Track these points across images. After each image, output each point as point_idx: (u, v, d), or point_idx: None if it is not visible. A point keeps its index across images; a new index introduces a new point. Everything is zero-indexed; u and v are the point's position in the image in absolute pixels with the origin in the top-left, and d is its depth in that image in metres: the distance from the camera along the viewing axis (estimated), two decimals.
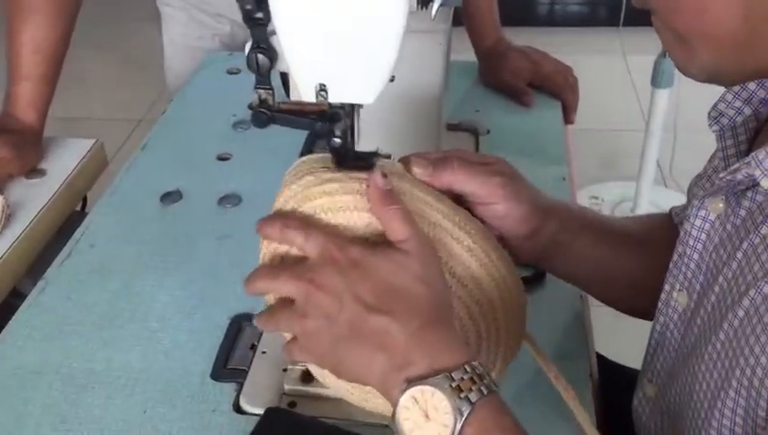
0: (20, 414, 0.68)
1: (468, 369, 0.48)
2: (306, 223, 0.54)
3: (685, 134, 2.03)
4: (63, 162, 1.06)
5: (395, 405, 0.49)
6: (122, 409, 0.68)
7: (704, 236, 0.56)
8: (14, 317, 0.78)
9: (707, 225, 0.56)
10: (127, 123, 2.51)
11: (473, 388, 0.48)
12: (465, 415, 0.47)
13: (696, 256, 0.57)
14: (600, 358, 0.83)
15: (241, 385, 0.69)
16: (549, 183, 0.95)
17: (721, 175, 0.54)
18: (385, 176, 0.54)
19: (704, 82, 0.52)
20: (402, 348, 0.50)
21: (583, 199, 2.05)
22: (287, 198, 0.56)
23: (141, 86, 2.62)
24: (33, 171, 1.04)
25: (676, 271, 0.59)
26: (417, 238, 0.53)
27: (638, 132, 2.11)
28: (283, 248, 0.56)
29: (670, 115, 1.97)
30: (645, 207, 2.03)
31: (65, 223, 1.03)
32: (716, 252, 0.55)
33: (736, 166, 0.52)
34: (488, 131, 1.05)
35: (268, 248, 0.57)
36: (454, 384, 0.48)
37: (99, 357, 0.74)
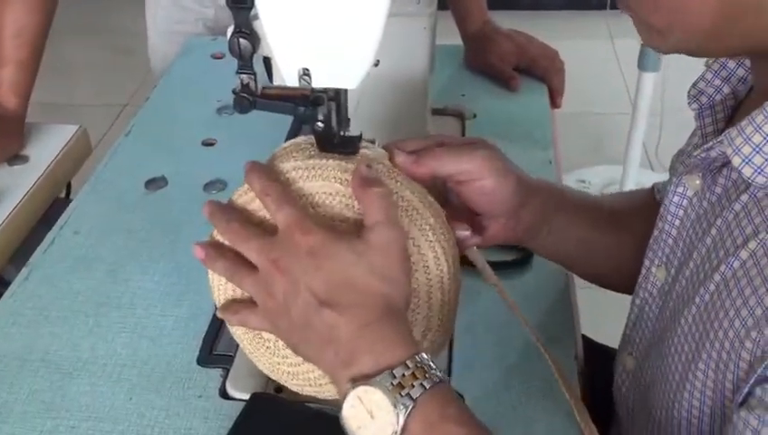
0: (5, 401, 0.68)
1: (410, 364, 0.48)
2: (285, 195, 0.53)
3: (671, 117, 2.04)
4: (47, 149, 1.05)
5: (342, 402, 0.49)
6: (108, 395, 0.68)
7: (681, 213, 0.57)
8: None
9: (685, 201, 0.57)
10: (111, 109, 2.49)
11: (414, 383, 0.48)
12: (407, 412, 0.47)
13: (674, 232, 0.58)
14: (586, 340, 0.84)
15: (227, 371, 0.69)
16: (535, 167, 0.95)
17: (695, 153, 0.54)
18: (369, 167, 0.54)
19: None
20: (348, 345, 0.50)
21: (571, 183, 2.06)
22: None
23: (125, 71, 2.59)
24: (16, 158, 1.03)
25: (656, 247, 0.60)
26: (384, 227, 0.51)
27: (624, 116, 2.12)
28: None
29: (656, 99, 1.97)
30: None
31: (49, 210, 1.02)
32: (693, 228, 0.56)
33: (710, 144, 0.52)
34: (474, 116, 1.05)
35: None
36: (395, 382, 0.48)
37: (84, 344, 0.73)
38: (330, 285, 0.50)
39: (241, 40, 0.54)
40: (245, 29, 0.54)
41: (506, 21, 1.19)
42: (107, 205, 0.91)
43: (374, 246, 0.51)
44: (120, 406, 0.67)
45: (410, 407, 0.47)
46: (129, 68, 2.50)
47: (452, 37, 1.16)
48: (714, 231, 0.53)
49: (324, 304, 0.50)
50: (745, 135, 0.49)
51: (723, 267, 0.50)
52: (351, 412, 0.48)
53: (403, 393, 0.47)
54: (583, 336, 0.81)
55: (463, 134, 1.03)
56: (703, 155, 0.53)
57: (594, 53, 2.66)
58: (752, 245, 0.48)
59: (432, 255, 0.55)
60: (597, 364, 0.76)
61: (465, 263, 0.60)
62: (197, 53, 1.21)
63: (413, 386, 0.48)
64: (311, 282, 0.50)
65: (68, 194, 1.10)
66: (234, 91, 0.58)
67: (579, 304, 0.81)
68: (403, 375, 0.48)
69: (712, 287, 0.51)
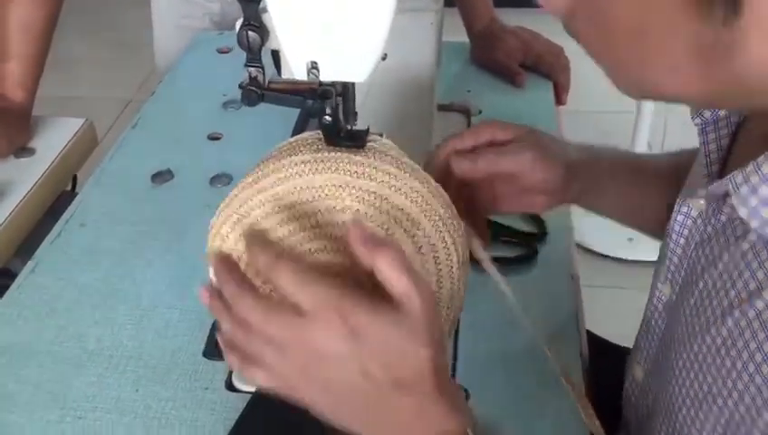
0: (12, 392, 0.68)
1: None
2: (304, 272, 0.48)
3: (675, 116, 2.04)
4: (53, 141, 1.05)
5: None
6: (115, 387, 0.68)
7: (686, 232, 0.56)
8: (4, 296, 0.78)
9: (689, 221, 0.55)
10: (116, 103, 2.49)
11: None
12: None
13: (678, 251, 0.57)
14: (593, 336, 0.84)
15: None
16: None
17: (699, 191, 0.53)
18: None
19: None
20: (408, 422, 0.48)
21: None
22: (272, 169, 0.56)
23: (131, 66, 2.60)
24: (23, 150, 1.03)
25: (661, 262, 0.59)
26: (414, 290, 0.48)
27: (629, 114, 2.11)
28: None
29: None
30: None
31: (55, 203, 1.02)
32: (697, 251, 0.54)
33: (716, 185, 0.50)
34: (480, 112, 1.05)
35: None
36: None
37: (90, 336, 0.74)
38: (385, 366, 0.47)
39: (250, 33, 0.54)
40: (254, 22, 0.54)
41: (512, 18, 1.19)
42: (113, 198, 0.91)
43: (416, 317, 0.48)
44: (127, 397, 0.67)
45: None
46: (135, 63, 2.51)
47: (458, 34, 1.16)
48: (720, 266, 0.50)
49: (380, 384, 0.47)
50: (751, 185, 0.45)
51: (737, 313, 0.48)
52: None
53: None
54: (590, 333, 0.81)
55: None
56: (705, 192, 0.52)
57: None
58: (767, 294, 0.46)
59: (442, 245, 0.56)
60: (604, 361, 0.76)
61: (470, 258, 0.61)
62: (204, 48, 1.21)
63: None
64: (364, 365, 0.47)
65: (74, 187, 1.11)
66: (240, 86, 0.58)
67: (585, 302, 0.81)
68: None
69: (724, 331, 0.48)
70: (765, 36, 0.37)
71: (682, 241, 0.56)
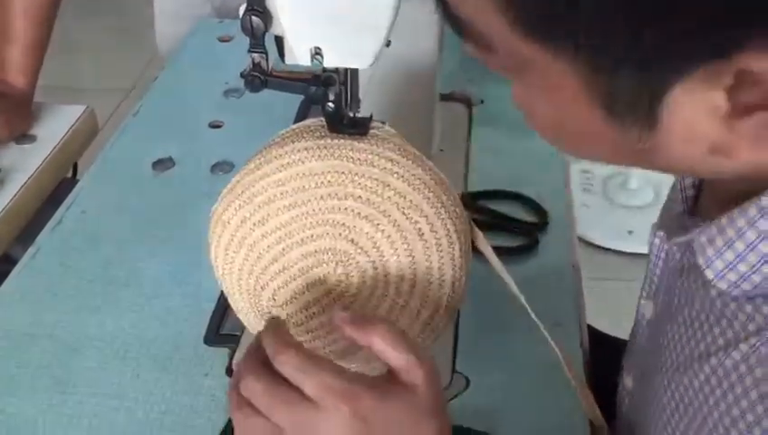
0: (13, 376, 0.68)
1: None
2: (308, 358, 0.48)
3: None
4: (54, 128, 1.05)
5: None
6: (116, 372, 0.69)
7: (663, 255, 0.55)
8: (5, 281, 0.78)
9: (664, 250, 0.54)
10: (116, 92, 2.48)
11: None
12: None
13: (657, 271, 0.56)
14: (589, 328, 0.84)
15: (234, 350, 0.70)
16: (542, 155, 0.95)
17: (672, 241, 0.52)
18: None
19: None
20: None
21: (575, 173, 2.06)
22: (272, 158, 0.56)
23: (131, 54, 2.59)
24: (24, 137, 1.03)
25: (645, 278, 0.58)
26: (414, 363, 0.48)
27: None
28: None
29: None
30: (637, 181, 2.04)
31: (56, 190, 1.02)
32: (672, 277, 0.53)
33: (680, 240, 0.50)
34: (482, 101, 1.05)
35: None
36: None
37: (91, 322, 0.74)
38: None
39: (253, 18, 0.54)
40: (258, 7, 0.54)
41: None
42: (114, 185, 0.91)
43: (415, 387, 0.48)
44: (128, 383, 0.68)
45: None
46: (136, 51, 2.50)
47: None
48: (697, 305, 0.49)
49: None
50: (716, 247, 0.45)
51: (713, 360, 0.46)
52: None
53: None
54: (589, 326, 0.81)
55: (470, 120, 1.02)
56: (677, 241, 0.51)
57: None
58: (743, 347, 0.44)
59: (444, 232, 0.56)
60: (602, 353, 0.76)
61: (471, 247, 0.61)
62: (205, 36, 1.21)
63: None
64: None
65: (74, 174, 1.11)
66: (242, 74, 0.57)
67: (584, 294, 0.81)
68: None
69: (702, 377, 0.47)
70: (685, 148, 0.38)
71: (660, 263, 0.56)
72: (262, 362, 0.49)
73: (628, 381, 0.64)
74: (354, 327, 0.50)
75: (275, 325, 0.52)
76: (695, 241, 0.47)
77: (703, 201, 0.53)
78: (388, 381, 0.49)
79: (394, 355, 0.49)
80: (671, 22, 0.33)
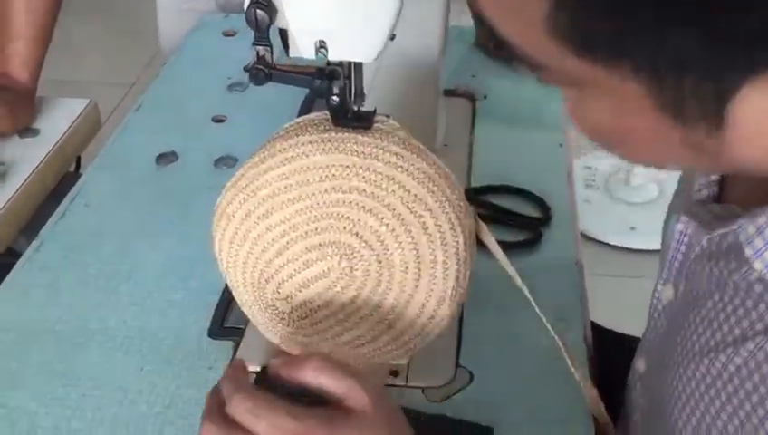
0: (17, 369, 0.68)
1: None
2: (256, 400, 0.49)
3: None
4: (57, 122, 1.05)
5: None
6: (119, 366, 0.69)
7: (686, 240, 0.55)
8: (9, 275, 0.78)
9: (688, 232, 0.54)
10: (119, 87, 2.48)
11: None
12: None
13: (680, 257, 0.55)
14: (592, 324, 0.84)
15: (238, 343, 0.70)
16: (546, 150, 0.95)
17: (704, 239, 0.51)
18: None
19: None
20: None
21: (577, 169, 2.05)
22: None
23: (135, 49, 2.59)
24: (27, 131, 1.03)
25: (662, 260, 0.58)
26: (362, 385, 0.50)
27: None
28: None
29: None
30: (639, 178, 2.03)
31: (59, 183, 1.02)
32: (695, 264, 0.53)
33: (723, 232, 0.49)
34: (485, 97, 1.05)
35: None
36: None
37: (94, 315, 0.74)
38: None
39: (258, 11, 0.54)
40: (263, 0, 0.54)
41: None
42: (117, 179, 0.91)
43: (362, 412, 0.50)
44: (131, 376, 0.68)
45: None
46: (139, 46, 2.50)
47: (463, 18, 1.15)
48: (730, 291, 0.48)
49: None
50: (766, 238, 0.45)
51: (751, 345, 0.46)
52: None
53: None
54: (592, 322, 0.81)
55: (473, 115, 1.02)
56: (708, 237, 0.51)
57: None
58: None
59: (448, 226, 0.56)
60: (605, 348, 0.76)
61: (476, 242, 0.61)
62: (208, 30, 1.21)
63: None
64: None
65: (78, 168, 1.11)
66: (246, 68, 0.57)
67: (587, 290, 0.81)
68: None
69: (738, 360, 0.47)
70: (752, 145, 0.38)
71: (683, 248, 0.55)
72: (218, 406, 0.51)
73: (640, 364, 0.63)
74: (287, 370, 0.51)
75: (235, 369, 0.53)
76: (740, 230, 0.47)
77: (731, 187, 0.52)
78: (337, 410, 0.50)
79: (333, 384, 0.50)
80: (741, 23, 0.33)
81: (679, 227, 0.55)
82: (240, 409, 0.49)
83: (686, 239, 0.55)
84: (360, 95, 0.59)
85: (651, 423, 0.59)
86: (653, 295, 0.61)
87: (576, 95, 0.42)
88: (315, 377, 0.51)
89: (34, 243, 0.82)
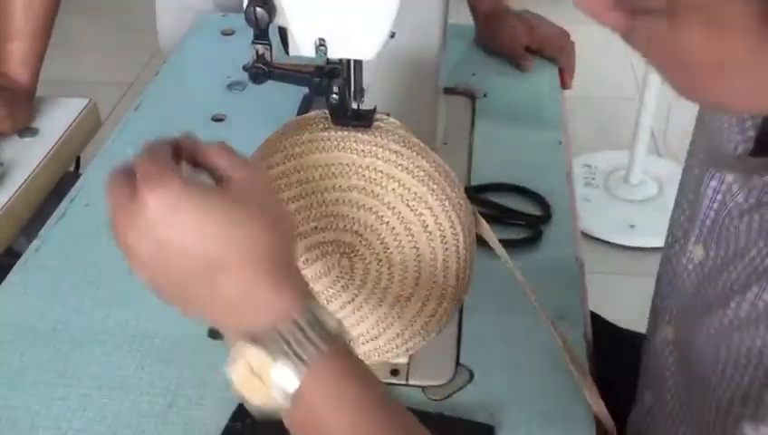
0: (17, 369, 0.68)
1: (301, 322, 0.43)
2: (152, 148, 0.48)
3: (679, 104, 2.03)
4: (57, 122, 1.05)
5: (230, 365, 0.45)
6: (120, 365, 0.69)
7: (719, 197, 0.54)
8: (9, 274, 0.78)
9: (723, 187, 0.54)
10: (118, 87, 2.48)
11: (306, 343, 0.43)
12: (298, 376, 0.43)
13: (711, 214, 0.56)
14: (597, 318, 0.84)
15: None
16: (545, 147, 0.95)
17: (742, 193, 0.51)
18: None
19: None
20: (233, 303, 0.45)
21: (577, 167, 2.06)
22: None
23: (134, 48, 2.59)
24: (26, 130, 1.03)
25: (694, 223, 0.58)
26: (243, 164, 0.48)
27: (632, 101, 2.11)
28: None
29: (665, 84, 1.96)
30: (639, 176, 2.03)
31: (59, 183, 1.02)
32: (731, 217, 0.53)
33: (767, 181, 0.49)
34: (485, 95, 1.05)
35: None
36: (284, 343, 0.43)
37: (95, 315, 0.74)
38: (206, 240, 0.45)
39: (257, 9, 0.54)
40: None
41: (519, 2, 1.19)
42: None
43: (234, 186, 0.47)
44: (131, 376, 0.68)
45: (300, 369, 0.43)
46: (138, 46, 2.50)
47: (463, 17, 1.15)
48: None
49: (207, 265, 0.45)
50: None
51: None
52: (239, 377, 0.44)
53: (288, 352, 0.43)
54: (597, 316, 0.81)
55: (473, 113, 1.02)
56: (750, 188, 0.50)
57: (603, 38, 2.65)
58: None
59: (448, 224, 0.56)
60: (606, 344, 0.76)
61: (476, 239, 0.61)
62: (207, 30, 1.20)
63: (301, 345, 0.43)
64: (174, 242, 0.45)
65: (77, 168, 1.11)
66: (245, 67, 0.57)
67: (589, 289, 0.81)
68: (290, 332, 0.43)
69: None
70: None
71: (715, 205, 0.55)
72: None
73: (668, 333, 0.62)
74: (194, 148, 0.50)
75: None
76: None
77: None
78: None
79: (223, 165, 0.48)
80: None
81: (713, 184, 0.54)
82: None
83: (719, 197, 0.54)
84: (360, 91, 0.59)
85: (689, 388, 0.59)
86: (677, 263, 0.60)
87: (659, 24, 0.39)
88: (212, 156, 0.49)
89: (35, 243, 0.82)
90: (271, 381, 0.43)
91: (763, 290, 0.49)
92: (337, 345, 0.44)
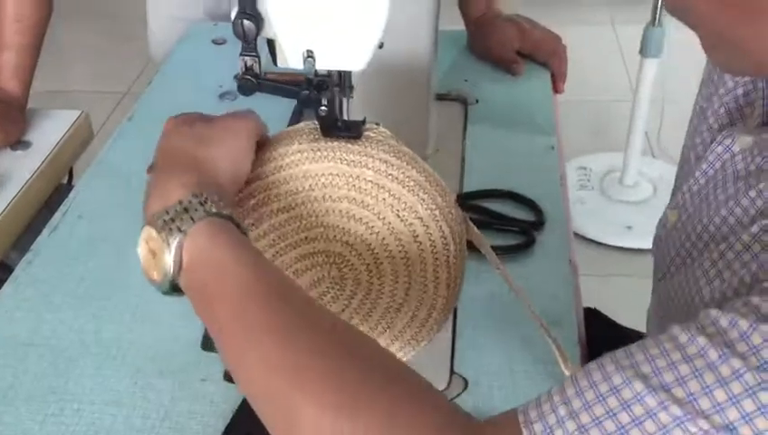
0: (11, 384, 0.68)
1: (184, 200, 0.50)
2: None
3: (672, 104, 2.03)
4: (49, 134, 1.05)
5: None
6: (113, 379, 0.68)
7: (718, 165, 0.56)
8: (2, 289, 0.78)
9: (727, 154, 0.56)
10: (110, 97, 2.48)
11: (184, 217, 0.49)
12: (177, 245, 0.49)
13: (701, 181, 0.57)
14: (596, 314, 0.84)
15: None
16: (538, 152, 0.95)
17: (753, 159, 0.52)
18: None
19: None
20: (150, 190, 0.54)
21: (571, 170, 2.06)
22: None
23: (125, 59, 2.58)
24: (18, 143, 1.03)
25: (678, 189, 0.60)
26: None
27: (626, 103, 2.11)
28: None
29: (658, 86, 1.96)
30: (633, 178, 2.04)
31: (52, 195, 1.02)
32: (724, 185, 0.55)
33: None
34: (477, 101, 1.05)
35: None
36: (167, 218, 0.50)
37: (88, 328, 0.73)
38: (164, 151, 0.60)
39: (245, 21, 0.54)
40: (249, 10, 0.54)
41: (510, 7, 1.19)
42: (110, 189, 0.91)
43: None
44: (125, 390, 0.67)
45: (180, 240, 0.49)
46: (130, 56, 2.50)
47: (455, 23, 1.15)
48: (753, 193, 0.51)
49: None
50: None
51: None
52: (141, 254, 0.52)
53: (173, 228, 0.49)
54: (597, 313, 0.80)
55: (465, 119, 1.02)
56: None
57: (596, 40, 2.65)
58: None
59: (439, 234, 0.56)
60: (606, 341, 0.76)
61: (468, 247, 0.61)
62: (199, 39, 1.20)
63: (182, 220, 0.49)
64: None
65: (70, 180, 1.10)
66: (236, 77, 0.57)
67: (582, 290, 0.81)
68: (176, 211, 0.50)
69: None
70: None
71: (711, 172, 0.57)
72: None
73: (671, 215, 0.64)
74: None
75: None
76: None
77: None
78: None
79: None
80: None
81: (718, 149, 0.56)
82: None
83: (726, 156, 0.56)
84: (349, 103, 0.59)
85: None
86: (680, 193, 0.62)
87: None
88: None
89: (28, 255, 0.82)
90: (160, 254, 0.50)
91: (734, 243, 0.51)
92: (214, 219, 0.50)
